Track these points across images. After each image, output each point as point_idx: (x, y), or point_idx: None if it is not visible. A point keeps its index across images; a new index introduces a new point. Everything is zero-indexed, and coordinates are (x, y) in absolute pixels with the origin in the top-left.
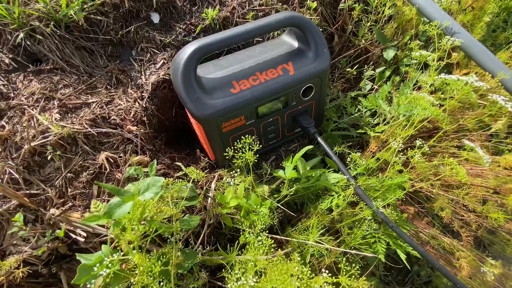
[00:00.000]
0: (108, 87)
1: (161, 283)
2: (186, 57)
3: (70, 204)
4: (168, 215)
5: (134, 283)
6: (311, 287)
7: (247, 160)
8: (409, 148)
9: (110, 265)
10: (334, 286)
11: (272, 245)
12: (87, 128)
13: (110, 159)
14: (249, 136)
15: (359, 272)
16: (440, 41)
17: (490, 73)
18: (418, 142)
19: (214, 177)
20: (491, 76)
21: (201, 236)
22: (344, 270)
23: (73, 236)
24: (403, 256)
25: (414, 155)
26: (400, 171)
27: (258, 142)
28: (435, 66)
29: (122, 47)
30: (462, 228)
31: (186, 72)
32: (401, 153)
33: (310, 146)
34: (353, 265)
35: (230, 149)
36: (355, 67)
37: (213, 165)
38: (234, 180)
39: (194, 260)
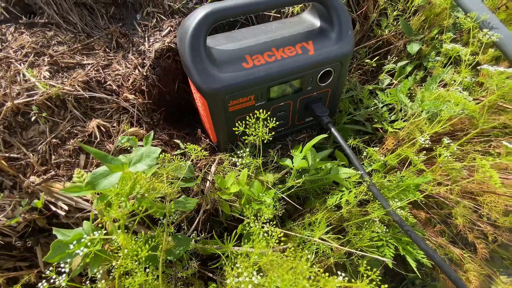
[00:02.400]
0: (107, 50)
1: (147, 270)
2: (196, 21)
3: (53, 173)
4: (162, 194)
5: (116, 266)
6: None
7: (255, 141)
8: (435, 147)
9: (89, 244)
10: None
11: (280, 237)
12: (79, 91)
13: (102, 128)
14: (264, 111)
15: (380, 278)
16: (475, 35)
17: None
18: (445, 140)
19: (214, 160)
20: None
21: (196, 222)
22: (364, 274)
23: (54, 208)
24: (413, 264)
25: (442, 154)
26: (420, 171)
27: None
28: (469, 61)
29: (126, 9)
30: (477, 239)
31: (195, 38)
32: (424, 152)
33: (324, 135)
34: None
35: (240, 124)
36: (374, 59)
37: (214, 148)
38: (242, 160)
39: (187, 247)
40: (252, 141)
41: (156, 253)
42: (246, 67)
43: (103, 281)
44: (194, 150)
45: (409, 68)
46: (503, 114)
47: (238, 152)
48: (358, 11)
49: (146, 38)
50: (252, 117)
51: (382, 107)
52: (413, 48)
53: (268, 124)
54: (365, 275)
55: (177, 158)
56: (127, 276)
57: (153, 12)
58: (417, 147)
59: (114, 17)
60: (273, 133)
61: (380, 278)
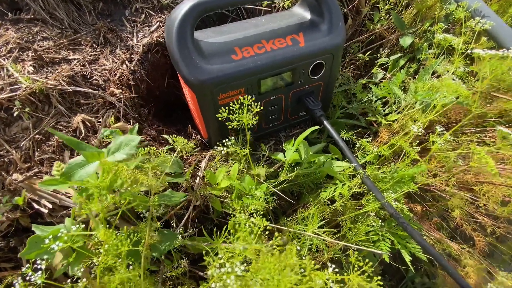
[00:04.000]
0: (94, 45)
1: (131, 267)
2: (183, 12)
3: (36, 170)
4: (146, 187)
5: (97, 263)
6: (312, 281)
7: (240, 127)
8: (430, 134)
9: (66, 238)
10: (341, 285)
11: (267, 228)
12: (63, 85)
13: (87, 123)
14: (247, 96)
15: (373, 269)
16: (468, 24)
17: None
18: (438, 128)
19: (205, 156)
20: None
21: (185, 218)
22: (356, 265)
23: (37, 206)
24: (407, 258)
25: (436, 141)
26: (415, 162)
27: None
28: (462, 49)
29: (115, 5)
30: (475, 231)
31: (182, 29)
32: (417, 141)
33: (316, 127)
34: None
35: (224, 110)
36: (367, 53)
37: (205, 144)
38: (228, 148)
39: (172, 242)
40: (238, 128)
41: (138, 248)
42: (235, 58)
43: (84, 279)
44: (182, 142)
45: (402, 62)
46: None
47: (224, 141)
48: (349, 5)
49: (135, 34)
50: (236, 102)
51: (375, 101)
52: (406, 41)
53: (252, 109)
54: (356, 266)
55: (163, 151)
56: (109, 273)
57: (142, 7)
58: (411, 136)
59: (102, 13)
60: (257, 117)
61: (372, 269)
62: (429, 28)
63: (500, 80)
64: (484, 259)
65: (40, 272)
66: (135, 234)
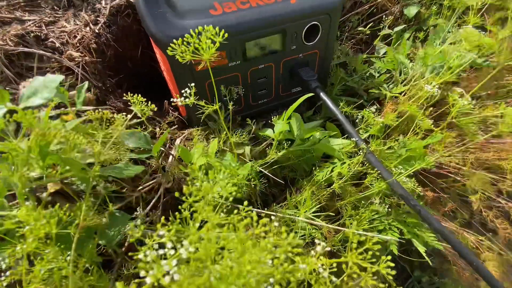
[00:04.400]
0: (56, 8)
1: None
2: None
3: None
4: (89, 156)
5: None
6: (295, 263)
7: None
8: (448, 94)
9: None
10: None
11: (235, 197)
12: (11, 46)
13: None
14: (211, 28)
15: (379, 247)
16: None
17: None
18: (457, 89)
19: (182, 134)
20: None
21: (152, 203)
22: (354, 243)
23: None
24: (421, 249)
25: (457, 103)
26: (428, 133)
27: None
28: (478, 5)
29: None
30: (498, 218)
31: None
32: (431, 109)
33: (310, 94)
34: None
35: (177, 42)
36: (368, 26)
37: (184, 122)
38: (187, 100)
39: (124, 226)
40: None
41: (68, 231)
42: (214, 14)
43: (7, 273)
44: (138, 102)
45: (407, 35)
46: None
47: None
48: None
49: None
50: (203, 29)
51: (378, 77)
52: (411, 11)
53: (216, 40)
54: (354, 244)
55: (121, 116)
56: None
57: None
58: (424, 98)
59: None
60: (218, 44)
61: (379, 246)
62: None
63: None
64: (506, 252)
65: None
66: (70, 214)
